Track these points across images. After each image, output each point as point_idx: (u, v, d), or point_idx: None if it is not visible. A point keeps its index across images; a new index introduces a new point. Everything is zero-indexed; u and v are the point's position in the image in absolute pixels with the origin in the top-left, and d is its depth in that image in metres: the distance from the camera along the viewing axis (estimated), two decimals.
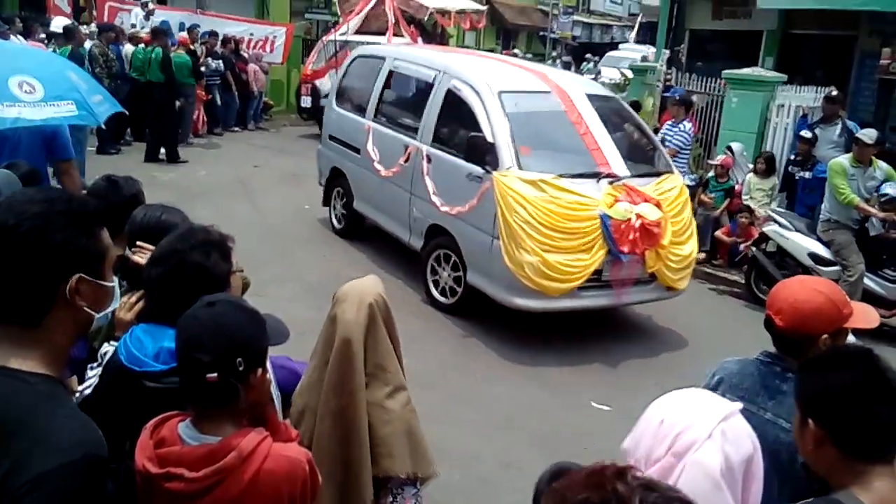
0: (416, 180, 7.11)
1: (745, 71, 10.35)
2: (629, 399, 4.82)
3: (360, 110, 8.32)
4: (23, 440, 1.32)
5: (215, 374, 1.70)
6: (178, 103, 12.00)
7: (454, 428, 4.90)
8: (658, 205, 6.21)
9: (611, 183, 6.19)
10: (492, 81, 6.83)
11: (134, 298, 2.48)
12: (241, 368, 1.73)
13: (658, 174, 6.74)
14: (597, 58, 28.79)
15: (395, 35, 14.33)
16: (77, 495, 1.33)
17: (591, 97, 7.07)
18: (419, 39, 15.06)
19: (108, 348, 2.25)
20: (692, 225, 6.78)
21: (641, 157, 7.18)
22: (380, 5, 14.83)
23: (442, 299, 6.90)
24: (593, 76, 23.39)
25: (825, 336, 2.16)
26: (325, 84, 13.88)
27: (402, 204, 7.35)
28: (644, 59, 23.55)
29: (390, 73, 8.05)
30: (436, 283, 6.97)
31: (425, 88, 7.50)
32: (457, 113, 6.93)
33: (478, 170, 6.35)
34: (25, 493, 1.28)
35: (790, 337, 2.23)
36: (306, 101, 14.80)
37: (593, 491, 1.02)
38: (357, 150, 8.13)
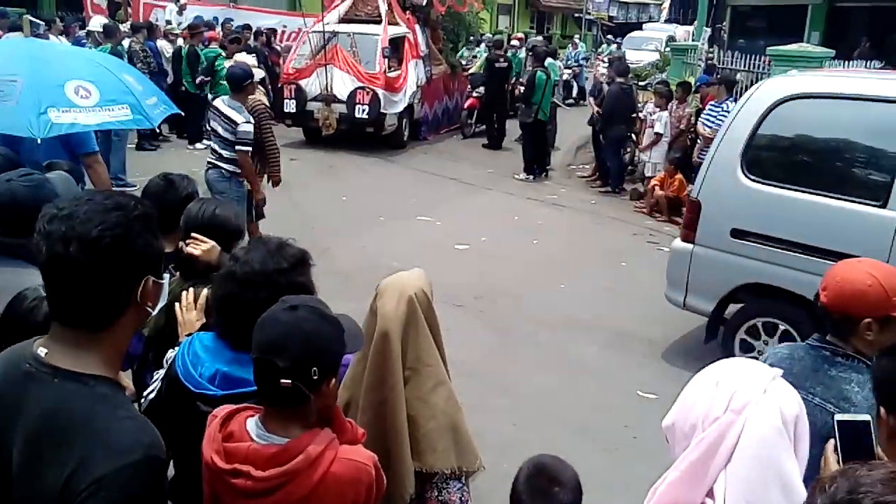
0: None
1: (791, 47, 10.06)
2: (676, 387, 4.64)
3: (832, 187, 5.04)
4: (84, 443, 1.34)
5: (289, 381, 1.69)
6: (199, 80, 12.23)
7: (498, 417, 4.86)
8: None
9: None
10: None
11: (192, 297, 2.52)
12: (315, 377, 1.71)
13: None
14: (619, 39, 28.11)
15: (390, 24, 13.28)
16: (138, 496, 1.35)
17: None
18: (417, 28, 14.04)
19: (171, 353, 2.25)
20: None
21: None
22: None
23: None
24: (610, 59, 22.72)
25: (868, 320, 2.12)
26: (312, 85, 12.45)
27: None
28: (671, 38, 23.07)
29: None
30: None
31: None
32: None
33: None
34: (89, 495, 1.30)
35: (833, 317, 2.21)
36: (290, 105, 12.74)
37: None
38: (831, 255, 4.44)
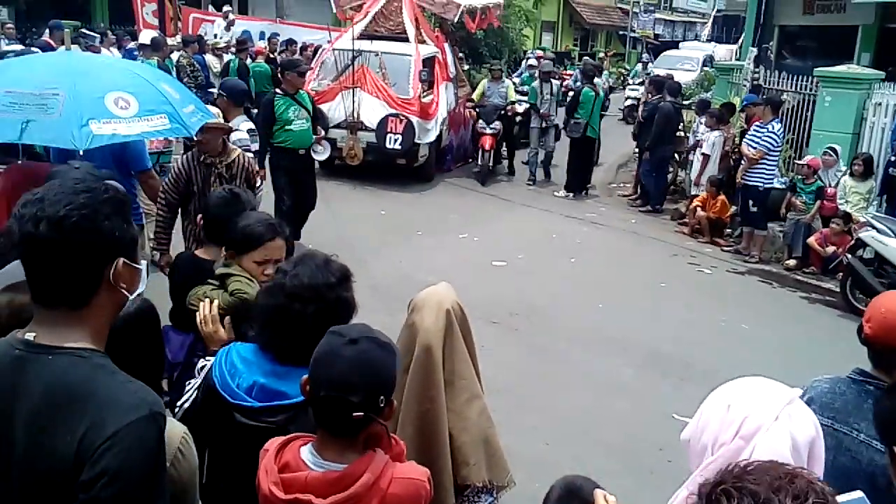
0: None
1: (839, 68, 9.88)
2: None
3: None
4: (92, 407, 1.44)
5: (361, 413, 1.72)
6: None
7: (530, 435, 4.82)
8: None
9: None
10: None
11: (208, 308, 2.53)
12: (382, 405, 1.76)
13: None
14: (647, 56, 27.42)
15: (420, 42, 11.81)
16: (149, 445, 1.46)
17: None
18: (446, 47, 12.68)
19: (204, 363, 2.28)
20: None
21: None
22: (392, 2, 12.21)
23: None
24: (641, 80, 21.12)
25: None
26: (336, 110, 10.85)
27: None
28: (710, 58, 22.67)
29: None
30: None
31: None
32: None
33: None
34: (105, 449, 1.40)
35: (878, 348, 2.18)
36: None
37: None
38: None
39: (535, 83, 12.37)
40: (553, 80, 12.37)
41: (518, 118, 12.59)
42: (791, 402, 1.52)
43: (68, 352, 1.49)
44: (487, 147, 11.85)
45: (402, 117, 10.75)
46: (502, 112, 12.06)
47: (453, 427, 2.50)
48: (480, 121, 11.99)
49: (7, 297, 2.27)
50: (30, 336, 1.52)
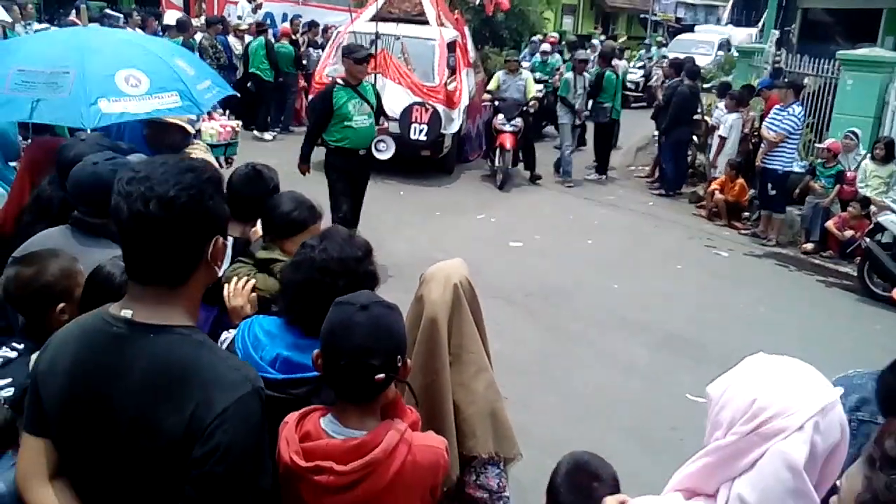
0: None
1: (861, 51, 9.79)
2: None
3: None
4: (198, 383, 1.48)
5: (383, 375, 1.77)
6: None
7: (545, 415, 4.88)
8: None
9: None
10: None
11: (241, 284, 2.57)
12: (399, 364, 1.81)
13: None
14: (662, 38, 26.28)
15: (440, 25, 11.27)
16: (255, 420, 1.52)
17: None
18: (466, 31, 12.13)
19: (226, 336, 2.31)
20: None
21: None
22: None
23: None
24: (642, 63, 20.92)
25: None
26: None
27: None
28: (726, 41, 22.18)
29: None
30: None
31: None
32: None
33: None
34: (216, 426, 1.46)
35: None
36: None
37: None
38: None
39: (569, 74, 11.28)
40: (587, 73, 11.35)
41: (531, 110, 11.07)
42: (824, 412, 1.41)
43: (169, 329, 1.52)
44: (508, 146, 10.54)
45: (427, 106, 10.12)
46: (524, 109, 10.76)
47: (460, 399, 2.52)
48: (500, 116, 10.64)
49: (14, 269, 2.34)
50: (126, 313, 1.53)
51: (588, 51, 15.40)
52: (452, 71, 11.02)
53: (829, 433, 1.41)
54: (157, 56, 4.20)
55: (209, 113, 8.54)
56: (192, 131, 4.46)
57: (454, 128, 10.71)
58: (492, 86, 11.17)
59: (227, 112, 6.38)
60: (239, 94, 6.45)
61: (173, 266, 1.54)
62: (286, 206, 2.84)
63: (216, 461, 1.45)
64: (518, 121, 10.56)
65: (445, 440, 1.95)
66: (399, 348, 1.82)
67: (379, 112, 6.91)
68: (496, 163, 10.80)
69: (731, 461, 1.45)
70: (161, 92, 3.92)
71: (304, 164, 6.76)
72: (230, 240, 1.69)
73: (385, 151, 7.85)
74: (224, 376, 1.50)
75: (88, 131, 3.66)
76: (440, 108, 10.25)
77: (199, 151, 4.45)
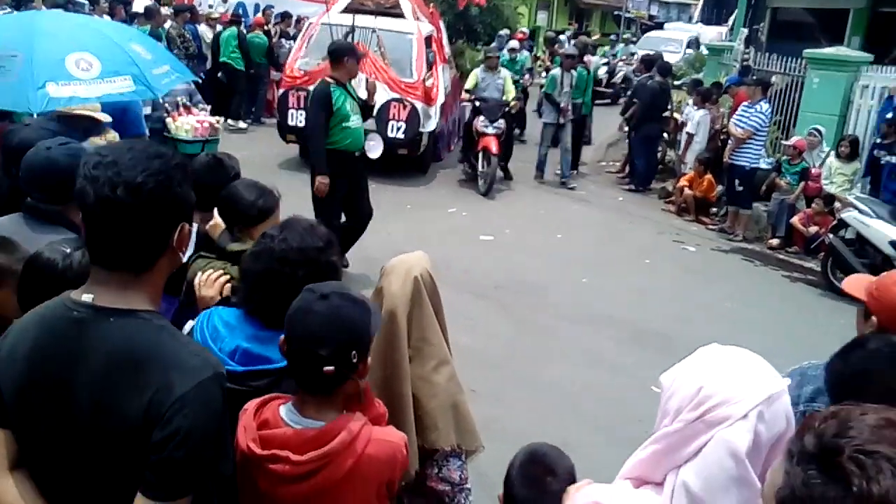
0: None
1: (828, 50, 9.94)
2: None
3: None
4: (158, 367, 1.47)
5: (332, 368, 1.74)
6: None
7: (514, 408, 4.90)
8: None
9: None
10: None
11: (215, 276, 2.54)
12: (354, 360, 1.78)
13: None
14: (630, 35, 26.66)
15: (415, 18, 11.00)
16: (215, 406, 1.51)
17: None
18: (441, 24, 11.96)
19: (191, 325, 2.27)
20: None
21: None
22: None
23: None
24: (607, 60, 20.56)
25: None
26: None
27: None
28: (695, 40, 22.41)
29: None
30: None
31: None
32: None
33: None
34: (175, 412, 1.45)
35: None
36: (297, 117, 9.75)
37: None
38: None
39: (556, 71, 10.93)
40: (574, 70, 10.87)
41: (513, 111, 10.87)
42: (770, 401, 1.43)
43: (131, 314, 1.51)
44: (495, 151, 9.89)
45: (405, 103, 9.73)
46: (507, 110, 10.34)
47: (421, 392, 2.51)
48: (481, 117, 10.05)
49: None
50: (87, 298, 1.52)
51: (557, 46, 15.37)
52: (429, 66, 10.62)
53: (775, 423, 1.43)
54: (111, 40, 4.11)
55: (185, 106, 8.35)
56: (105, 119, 4.31)
57: (431, 125, 10.27)
58: (469, 84, 10.65)
59: (209, 108, 6.25)
60: (201, 80, 6.32)
61: (138, 252, 1.53)
62: (249, 194, 2.80)
63: (175, 446, 1.45)
64: (501, 122, 10.08)
65: (405, 435, 1.94)
66: (354, 343, 1.78)
67: (367, 109, 6.60)
68: (480, 167, 10.16)
69: (677, 448, 1.47)
70: (114, 76, 3.85)
71: (325, 174, 6.12)
72: (194, 225, 1.66)
73: (375, 149, 7.64)
74: (185, 361, 1.50)
75: (35, 115, 3.56)
76: (419, 105, 9.89)
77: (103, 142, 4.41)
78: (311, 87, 8.79)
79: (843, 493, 0.97)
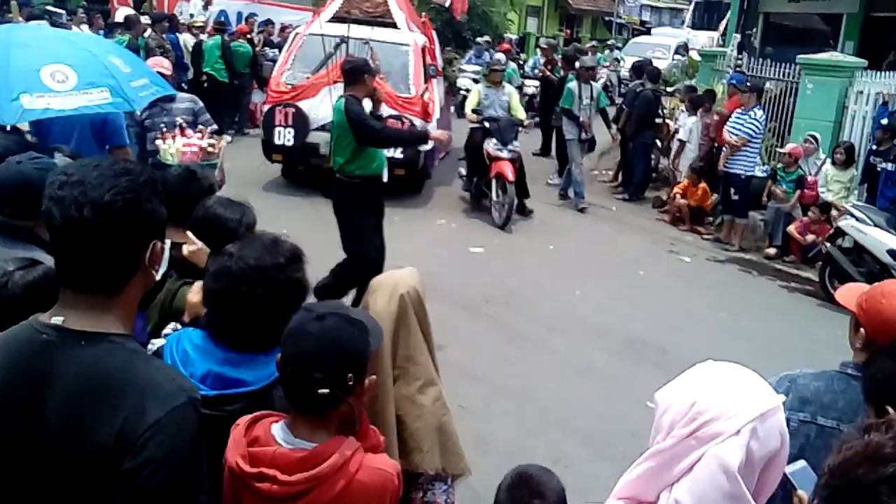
0: None
1: (822, 56, 9.86)
2: None
3: None
4: (130, 392, 1.43)
5: (327, 390, 1.71)
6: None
7: (503, 423, 4.80)
8: None
9: None
10: None
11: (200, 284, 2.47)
12: (350, 383, 1.74)
13: None
14: (613, 42, 26.31)
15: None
16: (190, 432, 1.47)
17: None
18: (434, 35, 11.42)
19: (160, 343, 2.21)
20: None
21: None
22: None
23: None
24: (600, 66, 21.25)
25: None
26: (319, 109, 8.72)
27: None
28: (684, 46, 22.32)
29: None
30: None
31: None
32: None
33: None
34: (147, 439, 1.40)
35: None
36: (285, 136, 9.08)
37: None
38: None
39: (573, 84, 10.17)
40: (594, 83, 10.31)
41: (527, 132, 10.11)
42: (763, 417, 1.42)
43: (102, 337, 1.47)
44: (511, 178, 8.78)
45: (404, 120, 8.86)
46: (519, 129, 9.35)
47: (406, 413, 2.47)
48: (493, 140, 8.98)
49: None
50: (57, 320, 1.47)
51: (538, 54, 15.13)
52: (426, 80, 9.90)
53: (768, 440, 1.43)
54: (88, 52, 4.11)
55: (181, 128, 7.99)
56: (25, 128, 4.20)
57: (430, 144, 8.84)
58: (472, 102, 9.51)
59: (213, 131, 5.97)
60: (177, 93, 6.16)
61: (109, 273, 1.48)
62: (233, 213, 2.71)
63: (149, 474, 1.40)
64: (516, 144, 9.05)
65: (399, 466, 1.88)
66: (350, 366, 1.73)
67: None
68: (494, 196, 9.12)
69: (669, 465, 1.46)
70: (90, 88, 3.83)
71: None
72: (167, 242, 1.56)
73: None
74: (158, 386, 1.45)
75: (8, 128, 3.52)
76: (417, 122, 9.07)
77: None
78: (302, 103, 8.88)
79: None
